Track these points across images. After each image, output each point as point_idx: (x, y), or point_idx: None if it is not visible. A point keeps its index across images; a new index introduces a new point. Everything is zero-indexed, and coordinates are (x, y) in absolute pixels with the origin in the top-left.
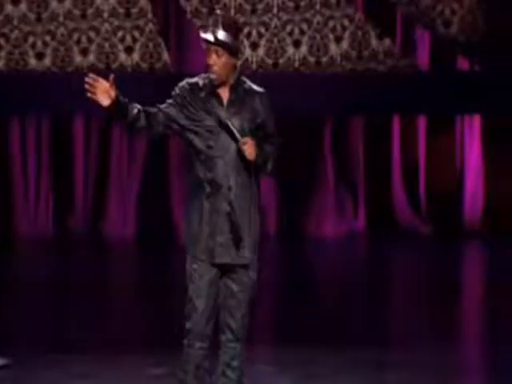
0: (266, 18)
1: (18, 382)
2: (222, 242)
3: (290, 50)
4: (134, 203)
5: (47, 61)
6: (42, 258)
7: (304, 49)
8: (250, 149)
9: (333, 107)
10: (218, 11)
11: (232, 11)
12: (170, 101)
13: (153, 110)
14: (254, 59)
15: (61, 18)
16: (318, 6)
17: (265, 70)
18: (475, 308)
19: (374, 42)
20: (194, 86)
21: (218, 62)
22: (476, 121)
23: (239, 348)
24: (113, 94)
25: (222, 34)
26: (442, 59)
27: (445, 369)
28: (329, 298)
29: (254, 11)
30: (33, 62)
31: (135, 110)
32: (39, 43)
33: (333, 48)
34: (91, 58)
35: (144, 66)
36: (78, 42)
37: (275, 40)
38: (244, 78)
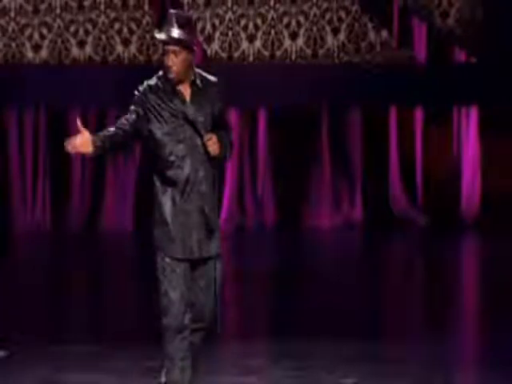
0: (263, 10)
1: (13, 374)
2: (198, 238)
3: (287, 42)
4: (132, 199)
5: (44, 53)
6: (40, 253)
7: (301, 41)
8: (214, 145)
9: (329, 98)
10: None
11: (229, 3)
12: (133, 107)
13: (122, 127)
14: (251, 51)
15: (58, 10)
16: None
17: (262, 62)
18: (471, 299)
19: (371, 33)
20: (154, 88)
21: (176, 61)
22: (473, 112)
23: (200, 337)
24: (89, 139)
25: (177, 33)
26: (438, 51)
27: (441, 360)
28: (325, 288)
29: (251, 3)
30: (30, 54)
31: (112, 140)
32: (36, 35)
33: (330, 40)
34: (88, 50)
35: (141, 58)
36: (75, 34)
37: (272, 32)
38: (198, 70)
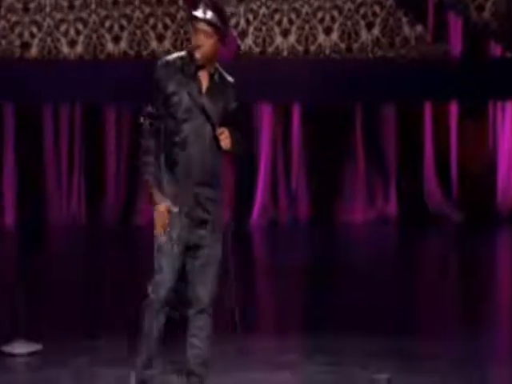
0: (297, 5)
1: (48, 367)
2: (191, 222)
3: (321, 36)
4: None
5: (79, 48)
6: (74, 247)
7: (335, 35)
8: (226, 139)
9: (364, 93)
10: None
11: None
12: (156, 96)
13: (155, 149)
14: (285, 46)
15: (93, 6)
16: None
17: (295, 57)
18: (507, 294)
19: (405, 28)
20: (172, 65)
21: (206, 42)
22: (508, 106)
23: (207, 318)
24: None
25: (213, 16)
26: (474, 45)
27: (475, 357)
28: (358, 284)
29: None
30: (65, 49)
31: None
32: (71, 31)
33: (364, 34)
34: (123, 45)
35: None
36: (110, 29)
37: (306, 27)
38: (218, 67)
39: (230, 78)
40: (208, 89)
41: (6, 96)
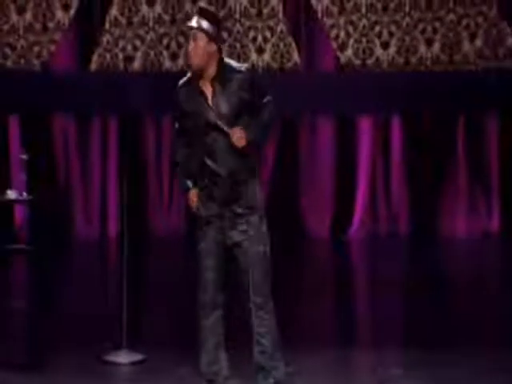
0: (397, 17)
1: (151, 377)
2: (223, 225)
3: (422, 48)
4: None
5: (181, 61)
6: (175, 256)
7: (437, 46)
8: (238, 139)
9: (466, 105)
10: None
11: (363, 10)
12: (174, 116)
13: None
14: (385, 58)
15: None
16: (451, 4)
17: (396, 68)
18: None
19: (509, 39)
20: (183, 86)
21: (194, 47)
22: None
23: (264, 315)
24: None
25: (198, 20)
26: None
27: None
28: (462, 299)
29: (385, 9)
30: (167, 63)
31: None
32: (173, 44)
33: (466, 45)
34: None
35: (274, 65)
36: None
37: (407, 38)
38: (225, 61)
39: (237, 66)
40: (213, 96)
41: (110, 109)
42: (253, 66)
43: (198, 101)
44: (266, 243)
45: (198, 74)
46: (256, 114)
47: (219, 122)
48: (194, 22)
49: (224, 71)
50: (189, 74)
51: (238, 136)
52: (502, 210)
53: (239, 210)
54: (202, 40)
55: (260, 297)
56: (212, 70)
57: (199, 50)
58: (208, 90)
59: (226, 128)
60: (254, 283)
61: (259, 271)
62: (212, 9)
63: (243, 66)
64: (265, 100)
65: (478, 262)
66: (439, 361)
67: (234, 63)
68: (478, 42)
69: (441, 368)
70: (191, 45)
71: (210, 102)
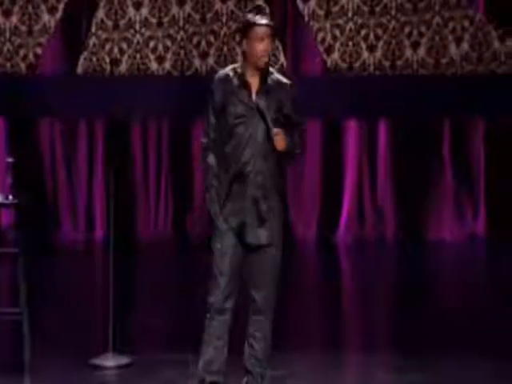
0: (384, 20)
1: (137, 381)
2: (249, 223)
3: (408, 52)
4: None
5: (167, 64)
6: (162, 260)
7: (422, 50)
8: (280, 140)
9: (452, 108)
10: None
11: (350, 13)
12: (210, 108)
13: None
14: (372, 61)
15: (180, 23)
16: (437, 7)
17: (382, 72)
18: None
19: (495, 43)
20: (225, 78)
21: (269, 46)
22: None
23: (264, 320)
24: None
25: (268, 19)
26: None
27: None
28: (449, 302)
29: (371, 13)
30: (153, 65)
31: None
32: (160, 47)
33: (452, 49)
34: (210, 61)
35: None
36: (198, 45)
37: (393, 42)
38: (272, 69)
39: (284, 80)
40: (259, 91)
41: (97, 112)
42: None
43: (242, 92)
44: (281, 249)
45: (261, 68)
46: (286, 131)
47: (266, 111)
48: (267, 20)
49: (270, 74)
50: (230, 68)
51: (282, 136)
52: (488, 214)
53: (264, 211)
54: (272, 40)
55: (265, 301)
56: (266, 69)
57: (270, 50)
58: (254, 85)
59: (269, 120)
60: (263, 287)
61: (273, 277)
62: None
63: (287, 79)
64: (301, 124)
65: (464, 265)
66: (427, 364)
67: (276, 72)
68: (465, 46)
69: (429, 372)
70: (268, 44)
71: (253, 94)
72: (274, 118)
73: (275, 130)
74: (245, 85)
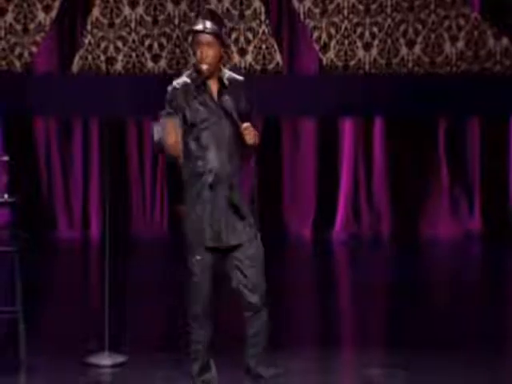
0: (379, 19)
1: (132, 379)
2: (227, 225)
3: (404, 50)
4: None
5: (163, 63)
6: (158, 259)
7: (418, 48)
8: (250, 134)
9: (448, 107)
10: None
11: (345, 11)
12: (167, 111)
13: None
14: (367, 60)
15: (176, 21)
16: (432, 6)
17: (378, 71)
18: None
19: (490, 41)
20: (183, 86)
21: (210, 53)
22: None
23: (262, 316)
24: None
25: (211, 25)
26: None
27: None
28: (443, 300)
29: (367, 11)
30: (149, 64)
31: None
32: (155, 45)
33: (448, 48)
34: None
35: (257, 67)
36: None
37: (389, 40)
38: (225, 69)
39: (239, 78)
40: (219, 93)
41: (92, 111)
42: (235, 66)
43: (202, 96)
44: (261, 240)
45: (206, 76)
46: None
47: (231, 109)
48: (208, 27)
49: (226, 76)
50: (186, 75)
51: (251, 130)
52: (484, 211)
53: (239, 210)
54: (215, 46)
55: (259, 298)
56: (218, 71)
57: (213, 56)
58: (213, 88)
59: (237, 120)
60: (253, 284)
61: (259, 272)
62: (218, 11)
63: (242, 78)
64: (255, 118)
65: (460, 263)
66: (422, 362)
67: (232, 73)
68: (460, 44)
69: (423, 369)
70: (205, 51)
71: (214, 96)
72: (236, 116)
73: (244, 125)
74: (204, 88)
